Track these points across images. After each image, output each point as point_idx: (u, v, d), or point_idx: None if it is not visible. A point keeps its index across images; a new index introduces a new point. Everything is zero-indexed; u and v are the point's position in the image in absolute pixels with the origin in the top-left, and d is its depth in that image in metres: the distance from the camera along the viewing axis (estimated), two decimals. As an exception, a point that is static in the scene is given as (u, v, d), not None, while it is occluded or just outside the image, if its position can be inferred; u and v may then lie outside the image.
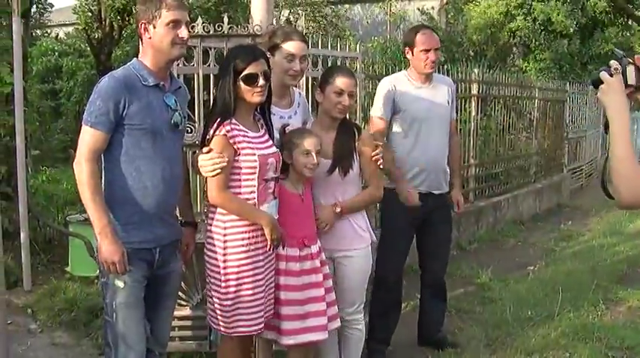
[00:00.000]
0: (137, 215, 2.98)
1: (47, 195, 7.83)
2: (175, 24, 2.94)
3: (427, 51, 4.27)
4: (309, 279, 3.43)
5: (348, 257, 3.67)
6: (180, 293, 4.17)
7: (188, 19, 3.05)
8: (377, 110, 4.37)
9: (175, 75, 4.08)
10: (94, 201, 2.86)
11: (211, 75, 4.20)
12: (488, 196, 8.94)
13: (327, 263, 3.59)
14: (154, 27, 2.94)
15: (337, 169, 3.55)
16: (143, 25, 2.97)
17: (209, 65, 4.20)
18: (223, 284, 3.16)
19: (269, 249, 3.21)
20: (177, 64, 4.10)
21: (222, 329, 3.25)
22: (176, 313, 4.12)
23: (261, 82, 3.13)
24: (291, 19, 14.81)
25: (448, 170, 4.52)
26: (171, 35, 2.94)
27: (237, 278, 3.15)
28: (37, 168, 8.98)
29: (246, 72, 3.10)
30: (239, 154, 3.12)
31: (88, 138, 2.89)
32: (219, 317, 3.23)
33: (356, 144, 3.63)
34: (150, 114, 2.95)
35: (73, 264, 5.83)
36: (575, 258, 7.25)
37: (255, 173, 3.15)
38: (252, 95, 3.14)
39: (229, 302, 3.17)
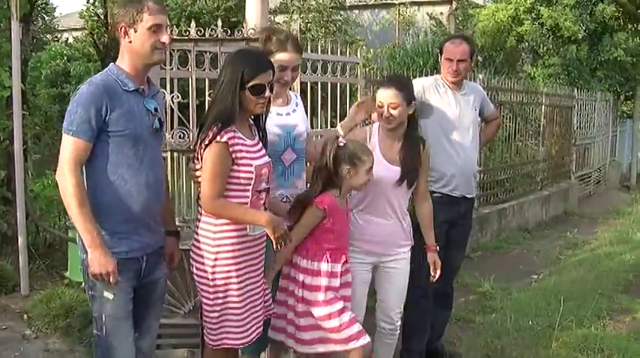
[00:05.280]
0: (123, 224, 2.90)
1: (49, 200, 7.81)
2: (157, 28, 2.87)
3: (450, 60, 4.29)
4: (346, 292, 3.48)
5: (397, 260, 3.76)
6: (172, 300, 4.15)
7: (168, 23, 2.98)
8: None
9: (168, 79, 4.10)
10: (82, 213, 2.76)
11: (206, 79, 4.18)
12: (493, 203, 8.87)
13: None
14: (135, 31, 2.85)
15: (405, 181, 3.65)
16: (123, 28, 2.87)
17: (204, 69, 4.17)
18: (212, 296, 3.10)
19: (275, 248, 3.11)
20: (172, 68, 4.09)
21: (210, 341, 3.19)
22: (168, 321, 4.11)
23: (267, 93, 3.09)
24: (301, 23, 14.80)
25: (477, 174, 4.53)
26: (152, 39, 2.86)
27: (226, 290, 3.09)
28: (42, 172, 8.96)
29: (253, 82, 3.03)
30: (235, 164, 3.05)
31: (71, 147, 2.79)
32: (208, 328, 3.16)
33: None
34: (132, 119, 2.87)
35: (71, 270, 5.79)
36: (580, 267, 7.16)
37: (250, 184, 3.08)
38: (256, 106, 3.10)
39: (216, 314, 3.11)
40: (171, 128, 4.12)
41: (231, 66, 3.11)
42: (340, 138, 3.43)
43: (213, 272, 3.09)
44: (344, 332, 3.36)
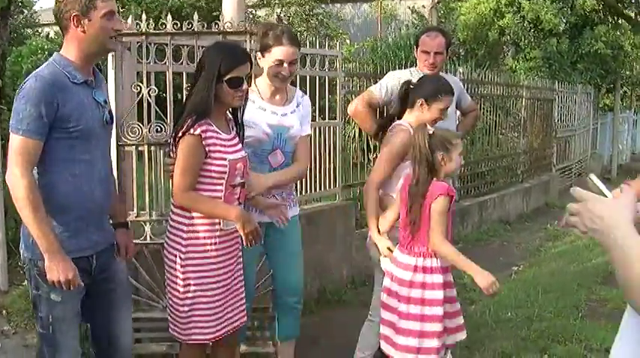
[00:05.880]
0: (74, 222, 2.78)
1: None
2: (111, 15, 2.77)
3: (427, 53, 4.28)
4: (451, 293, 3.30)
5: None
6: (150, 294, 4.14)
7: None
8: (376, 87, 4.40)
9: (145, 72, 4.07)
10: (37, 217, 2.61)
11: (184, 73, 4.16)
12: (474, 196, 8.91)
13: None
14: (89, 20, 2.71)
15: None
16: (76, 17, 2.71)
17: (181, 63, 4.15)
18: (182, 289, 3.07)
19: (246, 245, 3.07)
20: (149, 62, 4.07)
21: (178, 335, 3.17)
22: (146, 315, 4.11)
23: (244, 86, 3.07)
24: (282, 16, 14.78)
25: None
26: (108, 27, 2.76)
27: (196, 284, 3.06)
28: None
29: (231, 75, 3.01)
30: (208, 157, 3.02)
31: (21, 147, 2.62)
32: (175, 322, 3.14)
33: None
34: (83, 113, 2.74)
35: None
36: (560, 258, 7.22)
37: (223, 178, 3.06)
38: (234, 99, 3.07)
39: (186, 308, 3.08)
40: (149, 122, 4.09)
41: (208, 58, 3.08)
42: (428, 127, 3.31)
43: (185, 265, 3.06)
44: (444, 338, 3.25)
